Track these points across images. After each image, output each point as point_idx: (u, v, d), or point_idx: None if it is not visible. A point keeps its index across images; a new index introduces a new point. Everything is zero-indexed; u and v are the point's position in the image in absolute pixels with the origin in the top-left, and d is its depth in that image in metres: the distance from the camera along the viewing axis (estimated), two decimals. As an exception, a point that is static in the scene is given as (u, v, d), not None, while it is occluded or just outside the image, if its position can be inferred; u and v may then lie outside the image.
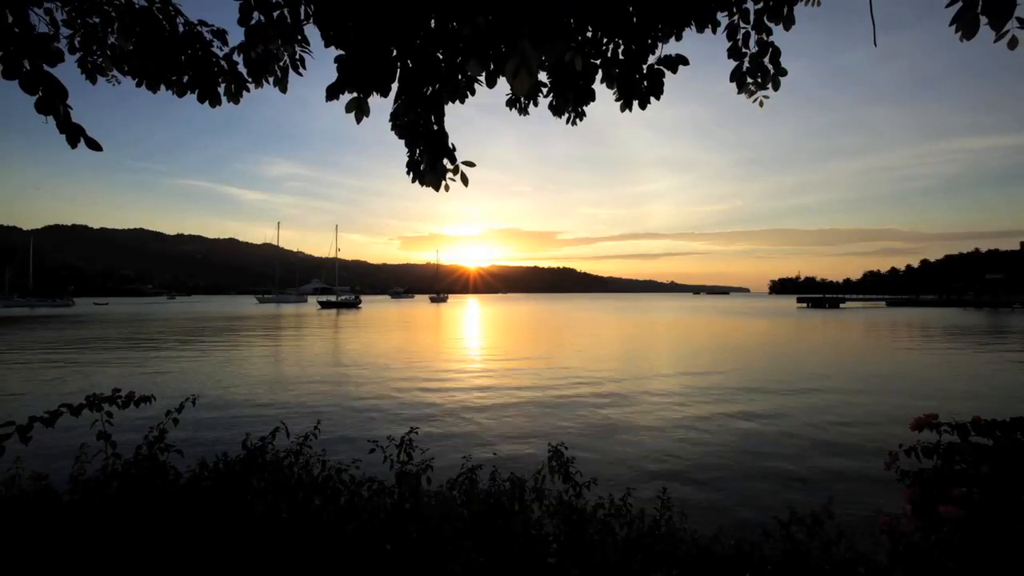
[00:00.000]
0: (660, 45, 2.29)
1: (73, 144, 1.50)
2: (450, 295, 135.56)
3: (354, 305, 75.90)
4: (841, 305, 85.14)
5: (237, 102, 2.55)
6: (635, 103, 2.40)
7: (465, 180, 1.84)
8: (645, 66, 2.33)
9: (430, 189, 1.86)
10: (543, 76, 2.37)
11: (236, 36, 2.48)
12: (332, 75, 1.76)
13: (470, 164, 1.84)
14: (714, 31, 2.26)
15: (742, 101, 2.46)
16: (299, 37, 2.22)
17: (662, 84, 2.34)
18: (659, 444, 8.46)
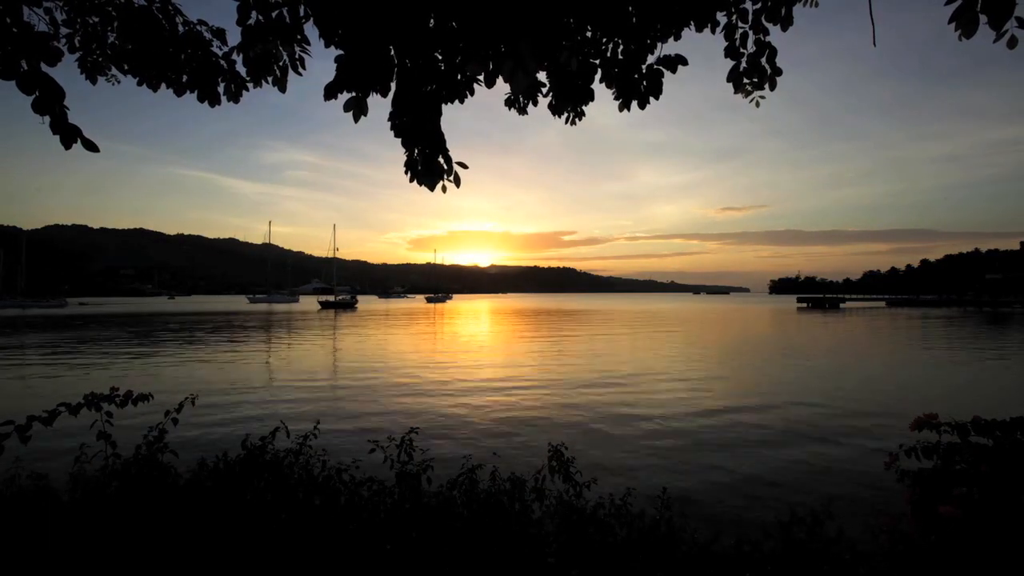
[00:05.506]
0: (659, 45, 2.29)
1: (67, 145, 1.49)
2: (447, 295, 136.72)
3: (351, 306, 76.06)
4: (841, 306, 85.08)
5: (237, 101, 2.55)
6: (634, 103, 2.40)
7: (457, 181, 1.84)
8: (644, 66, 2.34)
9: (440, 188, 1.87)
10: (542, 76, 2.37)
11: (236, 36, 2.48)
12: (336, 59, 1.76)
13: (463, 165, 1.84)
14: (713, 31, 2.26)
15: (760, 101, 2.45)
16: (298, 37, 2.22)
17: (661, 84, 2.34)
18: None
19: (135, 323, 39.40)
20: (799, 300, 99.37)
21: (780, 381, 14.48)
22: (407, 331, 33.69)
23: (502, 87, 1.96)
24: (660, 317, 51.77)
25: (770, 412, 10.63)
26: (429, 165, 1.80)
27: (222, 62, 2.51)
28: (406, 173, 1.83)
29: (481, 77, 1.82)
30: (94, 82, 2.63)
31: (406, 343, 25.68)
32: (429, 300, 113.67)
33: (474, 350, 22.70)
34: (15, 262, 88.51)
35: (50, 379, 14.42)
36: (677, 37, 2.24)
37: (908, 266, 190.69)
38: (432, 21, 1.79)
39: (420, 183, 1.82)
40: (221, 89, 2.52)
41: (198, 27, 2.49)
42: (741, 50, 2.32)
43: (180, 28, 2.47)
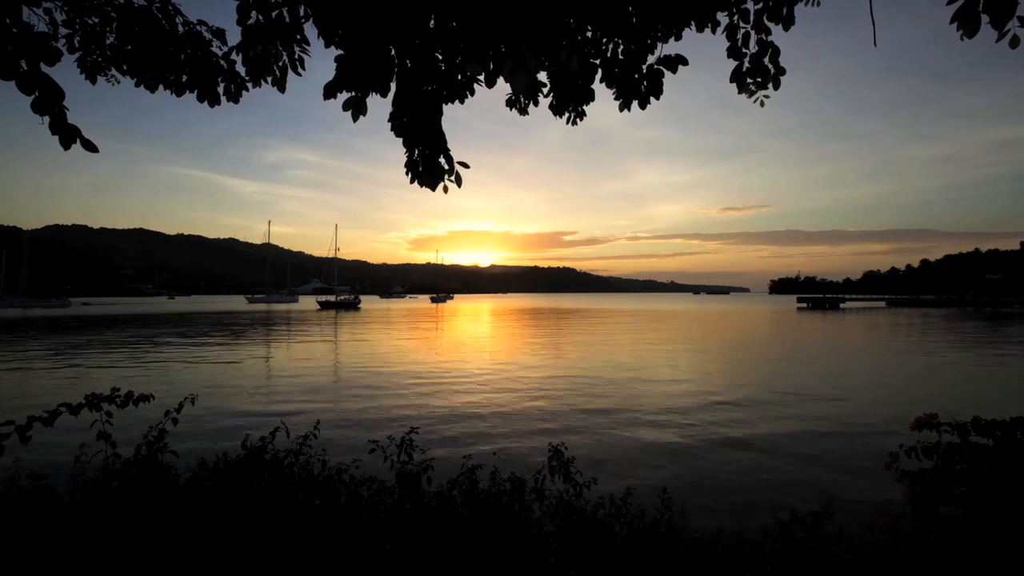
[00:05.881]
0: (660, 45, 2.29)
1: (66, 146, 1.49)
2: (449, 295, 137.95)
3: (354, 306, 75.46)
4: (841, 306, 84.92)
5: (236, 101, 2.55)
6: (635, 103, 2.40)
7: (459, 181, 1.84)
8: (645, 66, 2.33)
9: (441, 188, 1.87)
10: (542, 76, 2.37)
11: (235, 36, 2.47)
12: (336, 59, 1.76)
13: (464, 165, 1.84)
14: (713, 31, 2.26)
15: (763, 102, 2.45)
16: (298, 37, 2.21)
17: (661, 84, 2.34)
18: None
19: (141, 324, 39.16)
20: (799, 300, 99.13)
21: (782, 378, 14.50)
22: (424, 332, 33.78)
23: (503, 87, 1.96)
24: (658, 318, 52.00)
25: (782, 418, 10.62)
26: (430, 165, 1.80)
27: (222, 62, 2.51)
28: (407, 174, 1.83)
29: (481, 77, 1.82)
30: (94, 82, 2.63)
31: (423, 344, 25.73)
32: (433, 300, 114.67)
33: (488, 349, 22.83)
34: (18, 262, 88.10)
35: (54, 383, 14.42)
36: (678, 37, 2.23)
37: (908, 266, 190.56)
38: (432, 21, 1.79)
39: (421, 184, 1.82)
40: (221, 89, 2.52)
41: (198, 27, 2.49)
42: (743, 50, 2.32)
43: (180, 28, 2.47)
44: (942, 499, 1.61)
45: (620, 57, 2.32)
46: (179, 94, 2.45)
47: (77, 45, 2.53)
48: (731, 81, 2.37)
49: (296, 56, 2.28)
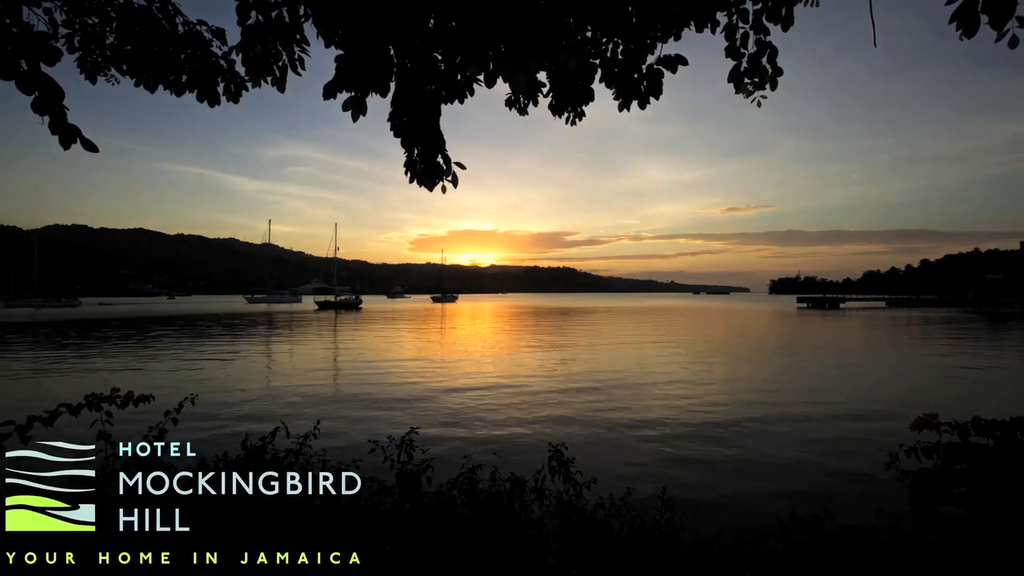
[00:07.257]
0: (659, 45, 2.29)
1: (66, 146, 1.49)
2: (453, 295, 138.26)
3: (355, 306, 74.90)
4: (841, 306, 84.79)
5: (236, 101, 2.55)
6: (634, 103, 2.40)
7: (455, 182, 1.85)
8: (644, 66, 2.33)
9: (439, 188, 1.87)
10: (542, 76, 2.37)
11: (235, 35, 2.47)
12: (336, 59, 1.76)
13: (461, 166, 1.85)
14: (713, 31, 2.26)
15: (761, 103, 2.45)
16: (298, 37, 2.22)
17: (661, 84, 2.34)
18: None
19: (182, 325, 37.88)
20: (799, 300, 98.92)
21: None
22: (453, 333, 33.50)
23: (502, 87, 1.97)
24: (664, 318, 52.06)
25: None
26: (428, 165, 1.80)
27: (222, 62, 2.51)
28: (406, 173, 1.84)
29: (481, 77, 1.82)
30: (93, 82, 2.63)
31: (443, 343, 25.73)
32: (437, 300, 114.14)
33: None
34: (21, 261, 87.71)
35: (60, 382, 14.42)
36: (677, 37, 2.23)
37: (908, 266, 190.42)
38: (432, 21, 1.79)
39: (420, 183, 1.82)
40: (221, 89, 2.52)
41: (198, 27, 2.49)
42: (742, 50, 2.32)
43: (180, 28, 2.47)
44: (942, 499, 1.61)
45: (620, 57, 2.32)
46: (179, 94, 2.46)
47: (77, 45, 2.53)
48: (729, 81, 2.37)
49: (296, 56, 2.28)
